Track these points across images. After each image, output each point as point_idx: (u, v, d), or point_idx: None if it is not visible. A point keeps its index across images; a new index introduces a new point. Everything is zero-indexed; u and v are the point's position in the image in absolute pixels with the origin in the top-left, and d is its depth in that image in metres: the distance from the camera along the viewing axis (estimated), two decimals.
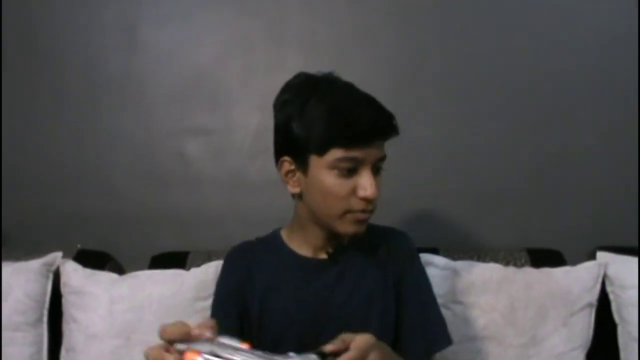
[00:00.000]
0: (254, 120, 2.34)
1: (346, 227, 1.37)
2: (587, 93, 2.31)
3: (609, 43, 2.29)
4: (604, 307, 2.06)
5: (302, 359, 0.98)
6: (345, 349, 1.06)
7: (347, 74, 1.42)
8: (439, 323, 1.52)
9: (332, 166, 1.31)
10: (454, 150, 2.35)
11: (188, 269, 2.13)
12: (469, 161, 2.35)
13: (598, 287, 2.06)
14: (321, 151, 1.31)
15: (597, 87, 2.31)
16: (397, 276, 1.49)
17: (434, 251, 2.16)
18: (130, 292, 2.08)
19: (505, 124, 2.33)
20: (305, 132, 1.31)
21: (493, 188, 2.35)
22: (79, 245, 2.35)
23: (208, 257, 2.12)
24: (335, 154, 1.29)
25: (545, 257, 2.19)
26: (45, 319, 2.17)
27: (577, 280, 2.04)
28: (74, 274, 2.16)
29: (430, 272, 2.02)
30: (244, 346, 0.94)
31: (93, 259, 2.28)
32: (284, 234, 1.54)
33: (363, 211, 1.34)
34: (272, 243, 1.54)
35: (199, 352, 0.91)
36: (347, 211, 1.34)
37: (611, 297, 2.07)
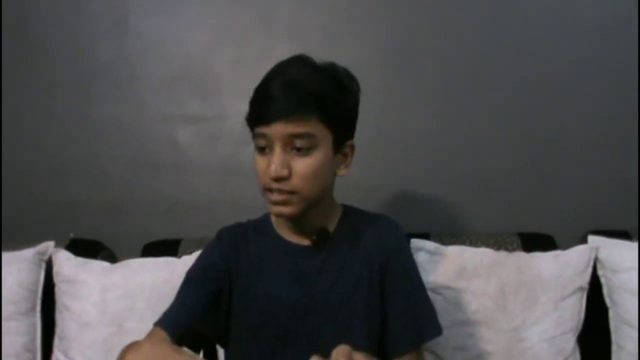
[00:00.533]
0: (245, 107, 2.29)
1: (270, 208, 1.38)
2: (580, 80, 2.30)
3: (603, 31, 2.28)
4: (595, 290, 2.07)
5: None
6: None
7: (338, 63, 1.42)
8: (429, 312, 1.51)
9: (254, 142, 1.35)
10: (446, 136, 2.35)
11: (180, 257, 2.14)
12: (460, 146, 2.35)
13: (589, 270, 2.06)
14: (250, 128, 1.36)
15: (590, 74, 2.30)
16: (384, 265, 1.48)
17: (425, 236, 2.16)
18: (123, 281, 2.09)
19: (497, 110, 2.33)
20: None
21: (484, 173, 2.35)
22: (71, 234, 2.36)
23: (200, 245, 2.09)
24: (255, 130, 1.34)
25: (536, 242, 2.19)
26: (38, 308, 2.18)
27: (568, 264, 2.05)
28: (66, 262, 2.16)
29: (422, 257, 2.04)
30: None
31: (85, 248, 2.28)
32: (273, 218, 1.54)
33: (272, 190, 1.33)
34: (261, 226, 1.54)
35: None
36: (265, 189, 1.35)
37: (602, 280, 2.07)
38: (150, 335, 1.29)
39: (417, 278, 1.54)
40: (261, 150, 1.33)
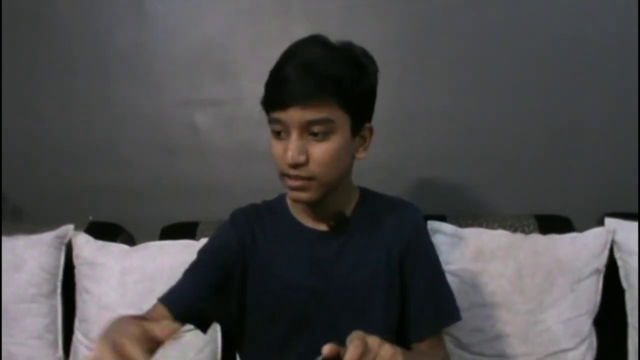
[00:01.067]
0: (262, 90, 2.31)
1: (288, 194, 1.35)
2: (598, 62, 2.28)
3: (627, 10, 2.25)
4: (611, 273, 2.07)
5: None
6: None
7: (357, 44, 1.38)
8: (449, 297, 1.50)
9: (270, 127, 1.31)
10: (463, 118, 2.34)
11: (198, 240, 2.16)
12: (477, 129, 2.34)
13: (606, 253, 2.06)
14: (265, 111, 1.32)
15: (609, 56, 2.28)
16: (403, 251, 1.45)
17: (442, 218, 2.17)
18: (141, 263, 2.11)
19: (515, 92, 2.32)
20: None
21: (502, 155, 2.35)
22: (90, 217, 2.38)
23: (218, 227, 2.13)
24: (269, 115, 1.30)
25: (553, 224, 2.19)
26: (59, 290, 2.22)
27: (584, 247, 2.05)
28: (85, 245, 2.19)
29: (439, 239, 2.04)
30: None
31: (105, 231, 2.31)
32: (289, 200, 1.50)
33: (289, 176, 1.29)
34: (277, 208, 1.50)
35: None
36: (282, 174, 1.31)
37: (619, 263, 2.07)
38: (150, 310, 1.30)
39: (436, 263, 1.51)
40: (277, 134, 1.29)
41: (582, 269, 2.02)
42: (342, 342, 1.00)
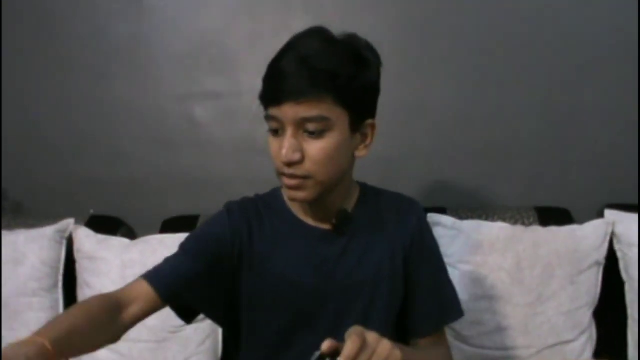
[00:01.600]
0: (261, 84, 2.32)
1: (285, 192, 1.33)
2: (598, 53, 2.28)
3: (626, 1, 2.25)
4: (611, 265, 2.08)
5: None
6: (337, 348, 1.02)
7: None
8: (451, 294, 1.48)
9: (267, 124, 1.26)
10: (462, 109, 2.34)
11: None
12: (477, 120, 2.34)
13: (606, 245, 2.07)
14: (263, 107, 1.27)
15: (609, 47, 2.28)
16: (407, 249, 1.42)
17: (442, 211, 2.17)
18: (142, 257, 2.11)
19: (514, 83, 2.32)
20: None
21: (501, 147, 2.35)
22: (91, 211, 2.39)
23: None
24: (267, 111, 1.25)
25: (553, 216, 2.20)
26: (60, 284, 2.22)
27: (584, 239, 2.05)
28: (86, 240, 2.19)
29: (438, 232, 2.05)
30: None
31: (105, 225, 2.32)
32: (286, 196, 1.41)
33: (285, 175, 1.25)
34: (272, 203, 1.44)
35: None
36: (278, 172, 1.27)
37: (619, 255, 2.08)
38: (130, 287, 1.25)
39: (439, 259, 1.50)
40: (274, 132, 1.25)
41: (582, 261, 2.02)
42: (343, 340, 1.00)
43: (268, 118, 1.25)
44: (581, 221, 2.13)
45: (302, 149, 1.22)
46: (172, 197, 2.47)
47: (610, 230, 2.08)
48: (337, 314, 1.37)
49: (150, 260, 2.05)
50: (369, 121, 1.31)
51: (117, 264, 2.12)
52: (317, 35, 1.27)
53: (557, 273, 2.00)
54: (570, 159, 2.35)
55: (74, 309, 1.12)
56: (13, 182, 2.53)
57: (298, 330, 1.38)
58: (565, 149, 2.35)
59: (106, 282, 2.10)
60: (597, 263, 2.05)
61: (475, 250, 2.04)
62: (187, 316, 1.38)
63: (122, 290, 1.24)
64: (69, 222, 2.25)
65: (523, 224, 2.15)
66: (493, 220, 2.16)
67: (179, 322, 1.91)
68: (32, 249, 2.17)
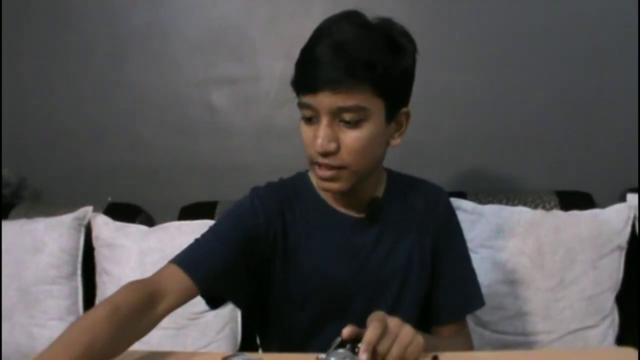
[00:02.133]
0: (280, 68, 2.34)
1: (317, 182, 1.30)
2: (621, 37, 2.25)
3: None
4: (634, 249, 2.05)
5: (334, 357, 0.95)
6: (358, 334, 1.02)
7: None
8: (474, 283, 1.47)
9: (300, 111, 1.24)
10: (483, 94, 2.32)
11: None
12: (498, 105, 2.33)
13: (628, 229, 2.04)
14: (295, 93, 1.25)
15: (631, 30, 2.24)
16: (436, 236, 1.42)
17: (462, 195, 2.15)
18: (160, 244, 2.12)
19: (535, 67, 2.29)
20: None
21: (522, 131, 2.33)
22: (109, 199, 2.39)
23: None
24: (299, 97, 1.22)
25: (574, 200, 2.17)
26: (79, 272, 2.23)
27: (606, 223, 2.03)
28: (104, 227, 2.20)
29: (458, 216, 2.00)
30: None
31: (123, 212, 2.32)
32: (314, 180, 1.40)
33: (319, 165, 1.23)
34: (301, 189, 1.41)
35: None
36: (311, 162, 1.25)
37: None
38: (161, 273, 1.23)
39: (464, 248, 1.49)
40: (308, 120, 1.22)
41: (604, 246, 2.00)
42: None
43: (302, 105, 1.22)
44: (603, 205, 2.11)
45: (338, 139, 1.20)
46: (190, 183, 2.47)
47: (632, 214, 2.05)
48: (368, 304, 1.35)
49: (169, 247, 2.08)
50: (404, 110, 1.29)
51: (135, 251, 2.13)
52: (352, 19, 1.23)
53: (579, 257, 1.98)
54: (592, 143, 2.32)
55: (97, 314, 1.09)
56: (32, 170, 2.54)
57: (328, 319, 1.36)
58: (586, 133, 2.32)
59: (125, 269, 2.10)
60: (620, 247, 2.02)
61: (496, 234, 2.02)
62: (215, 303, 1.36)
63: (155, 279, 1.21)
64: (87, 210, 2.26)
65: (544, 208, 2.13)
66: (514, 204, 2.13)
67: (198, 308, 1.93)
68: (51, 236, 2.18)
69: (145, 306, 1.14)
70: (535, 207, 2.13)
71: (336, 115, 1.18)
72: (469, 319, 1.96)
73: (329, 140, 1.19)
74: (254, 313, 1.47)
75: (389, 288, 1.38)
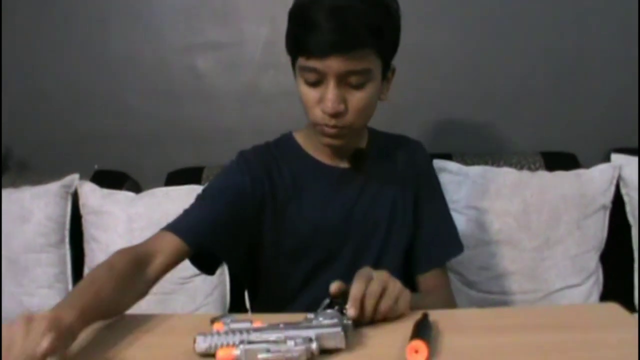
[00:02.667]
0: (264, 33, 2.32)
1: (320, 139, 1.31)
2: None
3: None
4: (618, 208, 2.08)
5: (322, 317, 0.95)
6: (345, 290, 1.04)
7: None
8: (453, 230, 1.51)
9: (300, 74, 1.25)
10: (467, 55, 2.32)
11: (203, 184, 2.15)
12: (482, 66, 2.32)
13: (612, 189, 2.07)
14: (292, 56, 1.28)
15: None
16: (416, 187, 1.46)
17: (448, 157, 2.17)
18: (147, 210, 2.12)
19: (519, 28, 2.29)
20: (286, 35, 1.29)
21: (507, 92, 2.33)
22: (95, 166, 2.39)
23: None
24: (300, 61, 1.23)
25: (559, 160, 2.19)
26: (67, 239, 2.23)
27: (591, 183, 2.05)
28: (91, 194, 2.19)
29: (444, 178, 2.04)
30: (259, 324, 0.94)
31: (110, 179, 2.31)
32: (299, 139, 1.46)
33: (327, 125, 1.26)
34: (287, 148, 1.45)
35: (234, 346, 0.89)
36: (315, 123, 1.28)
37: (625, 199, 2.08)
38: (153, 240, 1.25)
39: (441, 197, 1.53)
40: (312, 82, 1.23)
41: (589, 205, 2.02)
42: None
43: (305, 69, 1.22)
44: (587, 165, 2.13)
45: (345, 100, 1.23)
46: (176, 149, 2.46)
47: (616, 174, 2.07)
48: (355, 253, 1.40)
49: (156, 213, 2.08)
50: (392, 66, 1.34)
51: (123, 217, 2.13)
52: None
53: (564, 217, 2.00)
54: (576, 103, 2.33)
55: (98, 271, 1.11)
56: (17, 139, 2.51)
57: (318, 271, 1.40)
58: (571, 94, 2.32)
59: (113, 236, 2.11)
60: (604, 207, 2.05)
61: (482, 195, 2.03)
62: (209, 268, 1.40)
63: (145, 243, 1.24)
64: (73, 178, 2.25)
65: (529, 169, 2.14)
66: (499, 165, 2.14)
67: (187, 273, 1.94)
68: (38, 205, 2.18)
69: (137, 266, 1.16)
70: (521, 168, 2.14)
71: (343, 78, 1.21)
72: (456, 279, 1.99)
73: (339, 102, 1.22)
74: (245, 274, 1.49)
75: (374, 236, 1.41)
